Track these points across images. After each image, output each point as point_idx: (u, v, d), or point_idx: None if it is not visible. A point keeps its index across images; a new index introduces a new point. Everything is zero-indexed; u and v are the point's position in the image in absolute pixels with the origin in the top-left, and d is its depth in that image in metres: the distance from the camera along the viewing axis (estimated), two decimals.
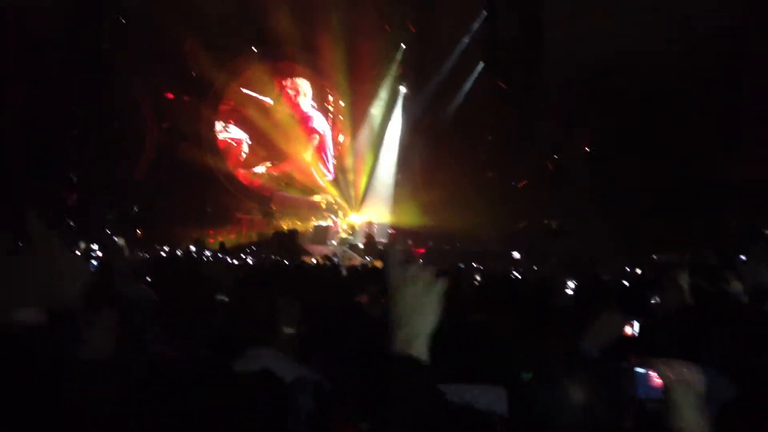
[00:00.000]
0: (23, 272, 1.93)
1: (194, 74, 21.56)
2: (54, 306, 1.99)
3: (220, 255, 13.07)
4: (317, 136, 23.81)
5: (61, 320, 2.01)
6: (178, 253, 13.60)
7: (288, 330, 3.72)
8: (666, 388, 1.98)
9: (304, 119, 23.67)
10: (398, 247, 1.82)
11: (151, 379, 2.30)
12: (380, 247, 19.17)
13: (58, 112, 18.44)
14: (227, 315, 4.21)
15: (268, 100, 23.21)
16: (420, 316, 1.74)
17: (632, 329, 3.80)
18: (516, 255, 14.36)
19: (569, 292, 5.92)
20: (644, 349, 3.51)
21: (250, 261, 12.64)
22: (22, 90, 18.44)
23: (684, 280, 3.94)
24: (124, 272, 4.65)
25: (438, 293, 1.76)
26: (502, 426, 2.43)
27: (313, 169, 23.74)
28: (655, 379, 2.03)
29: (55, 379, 1.88)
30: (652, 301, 5.08)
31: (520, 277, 9.38)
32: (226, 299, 4.86)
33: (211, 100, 22.68)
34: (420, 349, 1.73)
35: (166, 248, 14.62)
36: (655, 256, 14.19)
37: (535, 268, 13.05)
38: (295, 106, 23.57)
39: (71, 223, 17.61)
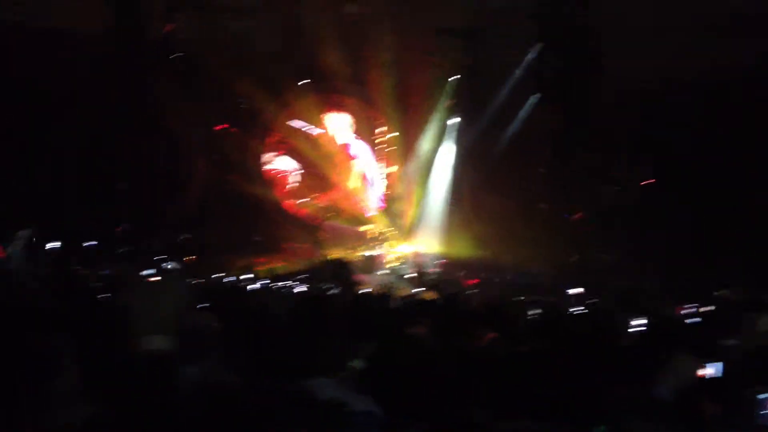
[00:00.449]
0: (155, 301, 2.00)
1: (243, 107, 21.86)
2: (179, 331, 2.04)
3: (271, 283, 13.10)
4: (364, 167, 23.91)
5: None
6: (233, 280, 13.68)
7: (357, 364, 3.67)
8: None
9: (348, 150, 23.81)
10: None
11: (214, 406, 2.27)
12: (429, 277, 19.06)
13: (109, 144, 18.79)
14: (287, 344, 4.17)
15: (314, 131, 23.42)
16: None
17: (705, 371, 3.64)
18: (571, 291, 14.07)
19: (632, 330, 5.74)
20: (720, 391, 3.36)
21: (301, 289, 12.64)
22: (74, 122, 18.86)
23: (764, 321, 3.81)
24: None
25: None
26: None
27: (360, 199, 23.83)
28: None
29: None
30: (723, 341, 4.90)
31: (576, 312, 9.19)
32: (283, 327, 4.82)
33: (259, 132, 22.95)
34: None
35: (214, 276, 14.71)
36: (715, 293, 13.82)
37: (589, 302, 12.81)
38: (337, 137, 23.74)
39: (122, 252, 17.87)
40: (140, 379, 1.91)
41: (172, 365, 1.95)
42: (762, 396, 1.95)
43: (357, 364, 3.80)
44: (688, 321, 7.19)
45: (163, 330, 1.99)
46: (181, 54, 20.39)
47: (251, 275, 14.86)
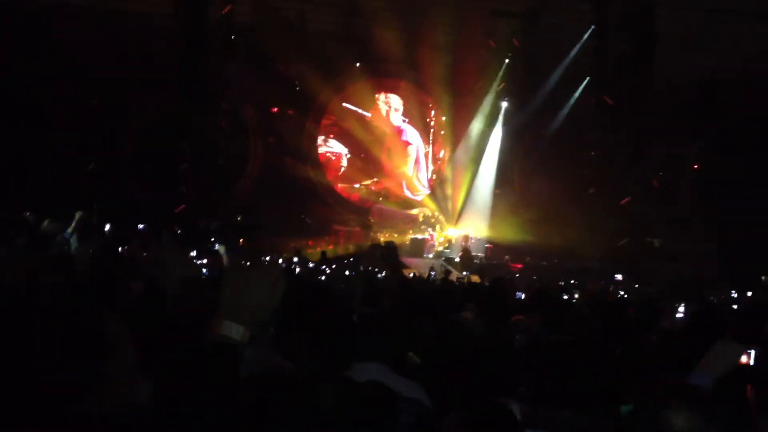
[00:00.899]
0: (247, 289, 2.07)
1: (299, 89, 22.07)
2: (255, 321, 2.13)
3: (322, 266, 13.29)
4: (413, 150, 23.97)
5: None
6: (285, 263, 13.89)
7: (414, 357, 3.76)
8: None
9: (398, 133, 23.89)
10: None
11: (264, 388, 2.40)
12: (476, 261, 19.10)
13: (168, 124, 19.17)
14: (341, 330, 4.28)
15: (367, 114, 23.54)
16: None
17: (749, 358, 3.66)
18: (618, 276, 13.96)
19: (679, 315, 5.74)
20: (764, 380, 3.40)
21: (347, 273, 12.80)
22: (136, 102, 19.29)
23: None
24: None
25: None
26: None
27: (409, 183, 23.92)
28: None
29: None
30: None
31: (624, 297, 9.18)
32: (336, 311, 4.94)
33: (314, 115, 23.16)
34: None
35: (267, 258, 14.93)
36: (763, 278, 13.61)
37: (637, 288, 12.74)
38: (387, 120, 23.82)
39: (178, 232, 18.23)
40: (203, 364, 1.99)
41: (237, 353, 2.03)
42: None
43: (414, 357, 3.91)
44: (735, 307, 7.16)
45: (248, 320, 2.06)
46: (239, 36, 20.62)
47: (301, 258, 15.05)
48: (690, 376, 3.18)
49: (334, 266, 13.66)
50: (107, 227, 11.90)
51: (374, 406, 2.57)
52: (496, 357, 3.83)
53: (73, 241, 9.31)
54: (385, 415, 2.67)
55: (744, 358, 3.54)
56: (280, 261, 14.12)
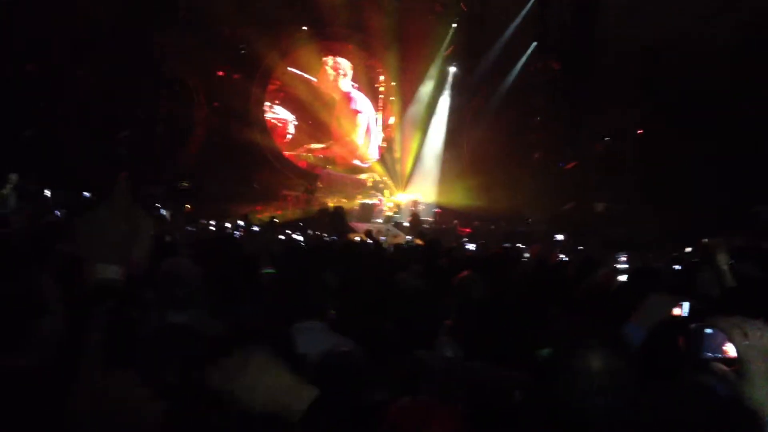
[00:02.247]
0: (108, 229, 2.03)
1: (244, 53, 21.73)
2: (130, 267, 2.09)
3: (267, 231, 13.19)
4: (363, 119, 23.85)
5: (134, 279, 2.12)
6: (227, 226, 13.77)
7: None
8: (737, 352, 1.86)
9: (347, 99, 23.73)
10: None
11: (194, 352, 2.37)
12: (425, 226, 19.19)
13: (109, 90, 18.75)
14: (275, 290, 4.27)
15: (313, 79, 23.31)
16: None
17: (681, 310, 3.71)
18: (559, 237, 14.16)
19: (622, 266, 5.83)
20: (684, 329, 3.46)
21: (297, 237, 12.74)
22: (75, 68, 18.81)
23: (723, 261, 3.90)
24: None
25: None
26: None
27: (359, 151, 23.84)
28: (725, 340, 1.90)
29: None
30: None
31: (565, 258, 9.31)
32: (272, 272, 4.92)
33: (260, 80, 22.84)
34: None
35: (213, 223, 14.79)
36: (705, 240, 13.89)
37: (580, 249, 12.93)
38: (335, 85, 23.62)
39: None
40: (102, 310, 1.97)
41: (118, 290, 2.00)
42: (708, 330, 1.97)
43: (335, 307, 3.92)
44: (672, 266, 7.29)
45: (115, 258, 2.03)
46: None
47: (248, 223, 14.93)
48: (623, 328, 3.22)
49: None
50: (47, 192, 11.66)
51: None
52: (427, 310, 3.87)
53: (11, 203, 9.14)
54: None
55: (677, 310, 3.60)
56: (226, 225, 13.99)
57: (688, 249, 9.90)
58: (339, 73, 23.63)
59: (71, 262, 3.89)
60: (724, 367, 1.79)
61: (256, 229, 13.28)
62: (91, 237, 2.02)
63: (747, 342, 1.77)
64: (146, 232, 2.15)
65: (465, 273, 5.11)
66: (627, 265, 5.57)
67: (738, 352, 1.78)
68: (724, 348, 1.88)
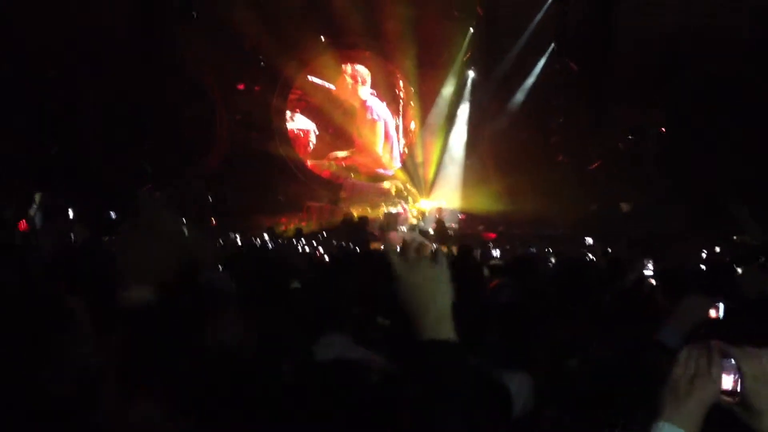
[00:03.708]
0: (140, 249, 1.98)
1: (264, 64, 21.81)
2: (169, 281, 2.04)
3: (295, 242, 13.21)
4: (381, 127, 23.84)
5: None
6: (254, 241, 13.79)
7: (382, 321, 3.73)
8: (741, 380, 1.73)
9: (364, 107, 23.73)
10: (389, 235, 1.79)
11: (224, 366, 2.34)
12: (450, 232, 19.12)
13: (131, 105, 18.90)
14: (301, 302, 4.24)
15: (331, 87, 23.34)
16: (438, 297, 1.70)
17: (717, 312, 3.62)
18: (589, 240, 14.04)
19: (648, 273, 5.73)
20: (731, 333, 3.39)
21: (320, 249, 12.72)
22: (96, 83, 18.97)
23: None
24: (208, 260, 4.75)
25: (443, 267, 1.71)
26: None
27: (381, 159, 23.83)
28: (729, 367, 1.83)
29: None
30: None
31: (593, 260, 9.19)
32: (299, 286, 4.89)
33: (281, 90, 22.92)
34: (448, 329, 1.69)
35: (238, 236, 14.82)
36: (735, 237, 13.75)
37: (609, 251, 12.81)
38: (354, 93, 23.63)
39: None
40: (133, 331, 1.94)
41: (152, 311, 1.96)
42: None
43: (382, 321, 3.86)
44: (701, 265, 7.17)
45: (153, 278, 1.99)
46: (201, 13, 20.31)
47: (273, 235, 14.96)
48: (659, 333, 3.15)
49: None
50: (70, 212, 11.73)
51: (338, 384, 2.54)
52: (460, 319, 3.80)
53: (37, 222, 9.20)
54: (352, 391, 2.64)
55: (713, 312, 3.51)
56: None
57: (717, 249, 9.78)
58: (357, 80, 23.63)
59: (102, 285, 3.90)
60: (728, 399, 1.73)
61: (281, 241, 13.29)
62: (125, 258, 1.98)
63: (751, 369, 1.69)
64: (191, 236, 2.12)
65: (495, 281, 5.06)
66: (653, 272, 5.47)
67: (746, 386, 1.70)
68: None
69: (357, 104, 23.66)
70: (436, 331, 1.67)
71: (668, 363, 1.79)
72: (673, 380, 1.72)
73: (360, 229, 15.87)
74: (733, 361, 1.70)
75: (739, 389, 1.69)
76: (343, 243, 13.53)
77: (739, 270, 5.31)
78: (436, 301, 1.69)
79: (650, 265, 5.60)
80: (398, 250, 1.71)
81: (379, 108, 23.77)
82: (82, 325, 2.33)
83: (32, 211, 9.10)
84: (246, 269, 5.16)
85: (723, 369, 1.70)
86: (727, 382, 1.70)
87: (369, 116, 23.71)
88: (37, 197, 9.28)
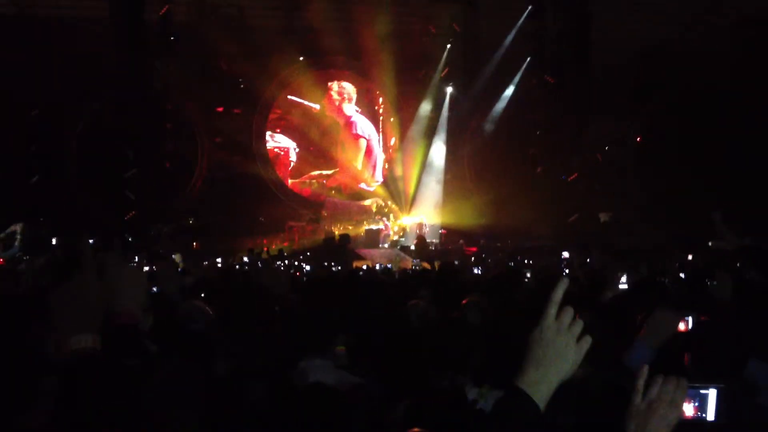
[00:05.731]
0: (79, 297, 1.95)
1: (243, 86, 21.86)
2: (120, 318, 2.04)
3: (278, 262, 13.22)
4: (364, 141, 23.91)
5: (125, 333, 2.08)
6: (235, 263, 13.78)
7: (343, 343, 3.76)
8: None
9: (349, 124, 23.80)
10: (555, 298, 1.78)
11: (212, 393, 2.37)
12: (431, 248, 19.17)
13: (112, 131, 18.89)
14: (283, 326, 4.26)
15: (315, 106, 23.40)
16: (561, 363, 1.71)
17: (687, 325, 3.68)
18: (565, 254, 14.13)
19: (622, 286, 5.78)
20: (698, 346, 3.45)
21: (306, 268, 12.75)
22: (78, 109, 18.98)
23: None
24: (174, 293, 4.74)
25: (585, 347, 1.74)
26: None
27: (361, 176, 23.88)
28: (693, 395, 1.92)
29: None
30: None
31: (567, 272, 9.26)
32: (280, 309, 4.92)
33: (261, 111, 22.95)
34: (545, 393, 1.70)
35: (219, 260, 14.80)
36: (710, 243, 13.86)
37: (587, 262, 12.88)
38: (339, 110, 23.70)
39: (129, 239, 18.02)
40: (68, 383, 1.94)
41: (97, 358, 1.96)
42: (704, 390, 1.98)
43: (343, 342, 3.89)
44: (679, 274, 7.25)
45: (90, 326, 1.97)
46: (179, 37, 20.36)
47: (254, 257, 14.95)
48: (630, 349, 3.20)
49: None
50: (54, 240, 11.69)
51: (316, 409, 2.58)
52: (446, 339, 3.84)
53: (16, 252, 9.16)
54: (330, 416, 2.68)
55: (682, 326, 3.57)
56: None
57: (690, 257, 9.86)
58: (344, 97, 23.71)
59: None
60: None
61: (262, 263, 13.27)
62: (62, 309, 1.96)
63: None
64: (135, 284, 2.13)
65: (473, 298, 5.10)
66: (627, 285, 5.52)
67: None
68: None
69: (342, 121, 23.72)
70: (533, 388, 1.69)
71: (630, 385, 1.85)
72: (634, 406, 1.79)
73: (342, 247, 15.89)
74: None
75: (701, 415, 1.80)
76: (326, 263, 13.56)
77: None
78: (555, 369, 1.71)
79: (623, 279, 5.65)
80: (553, 311, 1.72)
81: (364, 125, 23.86)
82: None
83: (16, 242, 9.07)
84: (226, 294, 5.20)
85: (686, 396, 1.80)
86: (689, 409, 1.78)
87: (354, 131, 23.77)
88: (18, 228, 9.25)
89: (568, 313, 1.72)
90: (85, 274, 1.98)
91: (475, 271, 9.25)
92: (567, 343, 1.71)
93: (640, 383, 1.80)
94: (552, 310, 1.72)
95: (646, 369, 1.83)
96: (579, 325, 1.73)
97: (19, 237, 9.50)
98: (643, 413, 1.78)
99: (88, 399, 1.84)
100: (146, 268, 7.78)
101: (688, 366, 3.36)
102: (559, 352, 1.70)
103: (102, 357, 1.92)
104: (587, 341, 1.73)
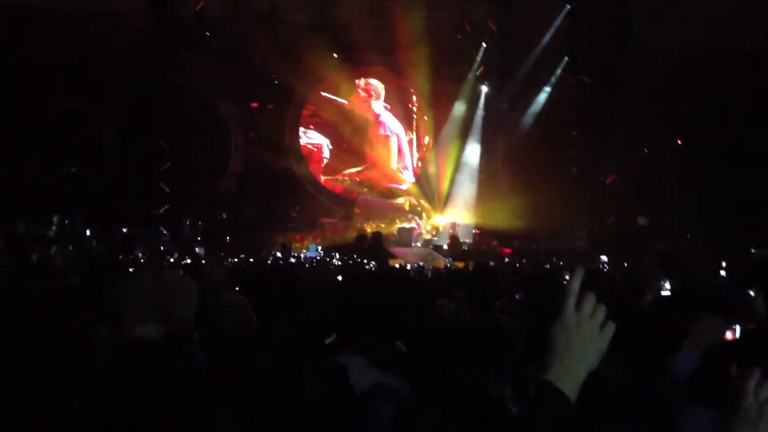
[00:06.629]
0: (144, 293, 2.16)
1: (277, 83, 21.94)
2: (171, 325, 2.17)
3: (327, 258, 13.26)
4: (394, 142, 23.86)
5: (176, 339, 2.22)
6: (275, 257, 13.85)
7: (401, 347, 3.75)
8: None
9: (378, 124, 23.76)
10: (573, 283, 1.74)
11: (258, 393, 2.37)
12: (464, 248, 19.08)
13: (148, 126, 19.10)
14: (317, 321, 4.24)
15: (344, 102, 23.40)
16: (586, 352, 1.68)
17: (734, 334, 3.59)
18: (603, 258, 13.99)
19: (665, 292, 5.67)
20: (747, 355, 3.36)
21: (336, 263, 12.77)
22: (114, 104, 19.19)
23: None
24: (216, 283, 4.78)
25: (609, 333, 1.70)
26: None
27: (393, 175, 23.83)
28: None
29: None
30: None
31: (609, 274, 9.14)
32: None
33: (294, 107, 23.03)
34: (573, 385, 1.66)
35: (252, 255, 14.87)
36: (753, 250, 13.63)
37: (626, 265, 12.73)
38: (369, 107, 23.67)
39: (164, 232, 18.22)
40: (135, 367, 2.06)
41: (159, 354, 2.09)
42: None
43: (400, 345, 3.86)
44: (719, 281, 7.13)
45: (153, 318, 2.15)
46: (213, 32, 20.54)
47: (286, 252, 15.02)
48: (675, 356, 3.14)
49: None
50: (87, 231, 11.85)
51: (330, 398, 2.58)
52: (480, 341, 3.78)
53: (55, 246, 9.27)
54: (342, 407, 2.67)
55: (729, 334, 3.48)
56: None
57: (723, 264, 9.70)
58: (371, 94, 23.65)
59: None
60: None
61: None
62: (129, 301, 2.15)
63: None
64: (188, 294, 2.29)
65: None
66: (669, 292, 5.42)
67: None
68: None
69: (370, 118, 23.69)
70: (561, 381, 1.66)
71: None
72: (744, 408, 1.75)
73: (379, 245, 15.87)
74: None
75: None
76: (364, 260, 13.53)
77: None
78: (581, 359, 1.68)
79: (667, 285, 5.55)
80: (574, 299, 1.70)
81: (392, 123, 23.78)
82: (102, 347, 2.46)
83: (51, 233, 9.20)
84: (266, 289, 5.20)
85: None
86: None
87: (382, 131, 23.73)
88: (55, 219, 9.38)
89: (590, 300, 1.67)
90: (149, 273, 2.20)
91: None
92: (590, 331, 1.67)
93: (751, 385, 1.76)
94: (570, 300, 1.67)
95: (757, 372, 1.79)
96: (601, 311, 1.68)
97: (54, 229, 9.62)
98: (754, 414, 1.74)
99: (143, 384, 1.98)
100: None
101: (735, 376, 3.27)
102: (583, 341, 1.67)
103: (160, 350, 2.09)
104: (611, 328, 1.68)
